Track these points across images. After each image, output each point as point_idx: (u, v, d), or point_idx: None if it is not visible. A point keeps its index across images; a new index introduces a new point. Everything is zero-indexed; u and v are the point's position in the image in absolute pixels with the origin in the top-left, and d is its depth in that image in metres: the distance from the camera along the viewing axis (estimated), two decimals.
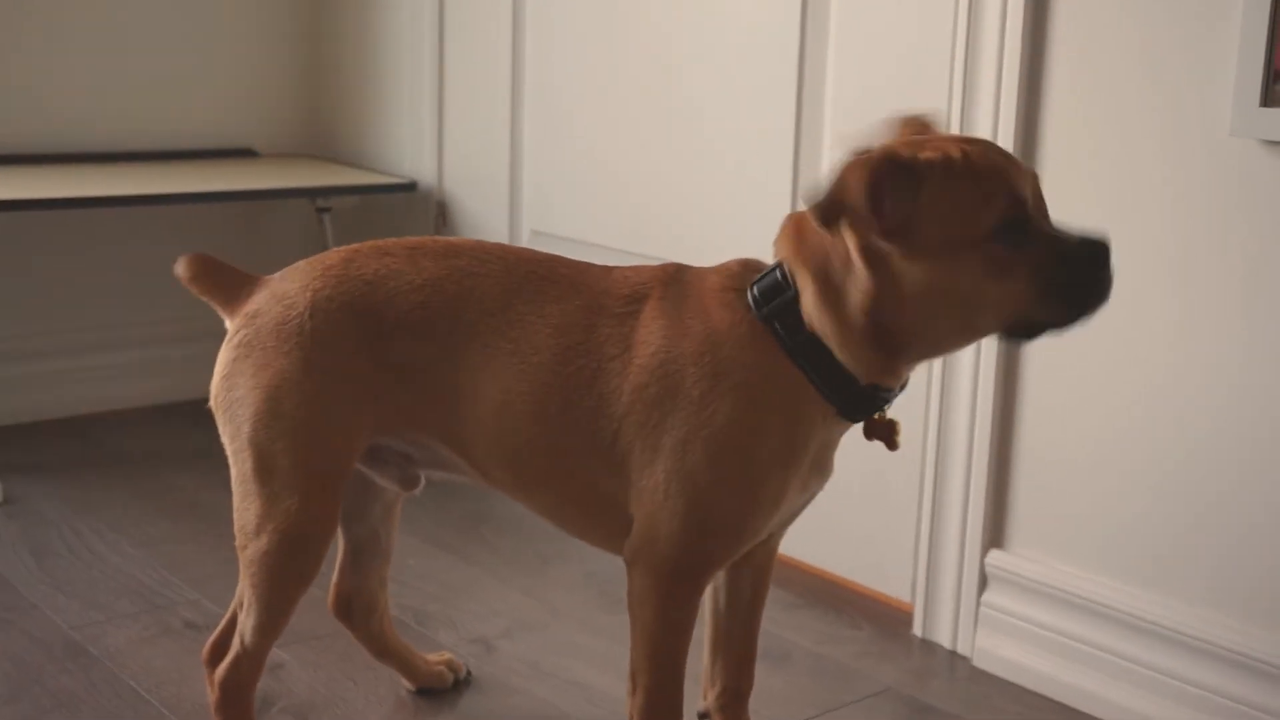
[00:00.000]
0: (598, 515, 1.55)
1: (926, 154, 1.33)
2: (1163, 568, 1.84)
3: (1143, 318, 1.82)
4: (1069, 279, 1.35)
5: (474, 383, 1.52)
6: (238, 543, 1.58)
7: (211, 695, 1.63)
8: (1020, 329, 1.38)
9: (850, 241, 1.36)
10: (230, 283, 1.62)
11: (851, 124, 2.16)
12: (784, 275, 1.43)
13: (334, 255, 1.61)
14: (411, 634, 2.05)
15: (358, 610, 1.82)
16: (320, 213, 3.03)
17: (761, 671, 1.98)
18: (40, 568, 2.24)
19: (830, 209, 1.33)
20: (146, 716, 1.79)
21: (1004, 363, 1.97)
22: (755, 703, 1.89)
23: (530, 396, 1.50)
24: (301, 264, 1.61)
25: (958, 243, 1.33)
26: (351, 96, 3.20)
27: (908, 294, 1.35)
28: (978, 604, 2.04)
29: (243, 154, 3.19)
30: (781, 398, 1.43)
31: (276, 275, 1.62)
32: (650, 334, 1.46)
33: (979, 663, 2.03)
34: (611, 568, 2.28)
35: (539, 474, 1.55)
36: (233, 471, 1.58)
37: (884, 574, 2.21)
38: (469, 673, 1.93)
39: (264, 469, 1.55)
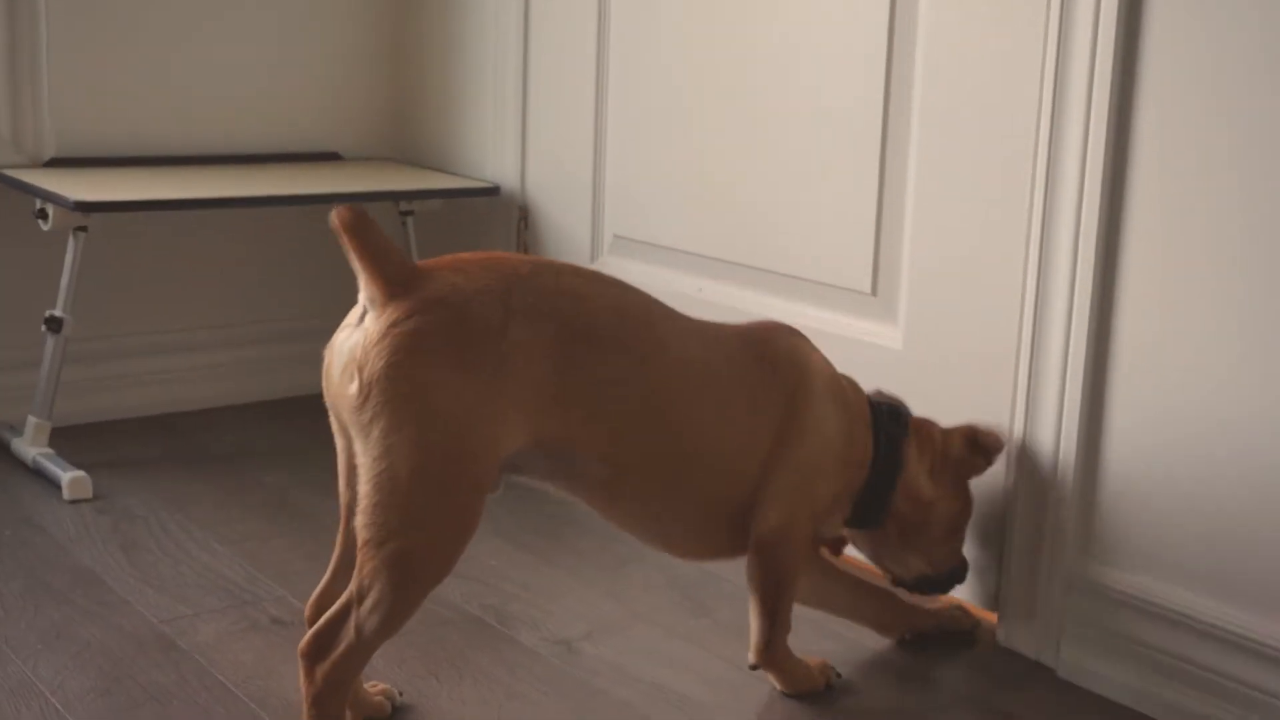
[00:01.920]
0: (719, 519, 1.86)
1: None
2: (1256, 580, 1.82)
3: (1241, 325, 1.80)
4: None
5: (652, 398, 1.71)
6: (372, 536, 1.53)
7: (309, 688, 1.60)
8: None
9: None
10: (385, 248, 1.54)
11: (940, 132, 2.16)
12: (904, 414, 2.03)
13: (514, 260, 1.64)
14: (494, 634, 2.07)
15: None
16: (403, 216, 3.06)
17: (843, 676, 1.98)
18: (130, 562, 2.28)
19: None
20: (236, 711, 1.82)
21: (1091, 367, 1.95)
22: (836, 709, 1.89)
23: (706, 413, 1.78)
24: (471, 259, 1.60)
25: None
26: (435, 101, 3.22)
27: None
28: (1063, 615, 2.02)
29: (327, 158, 3.23)
30: (861, 452, 1.98)
31: (443, 266, 1.58)
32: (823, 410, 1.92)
33: (1063, 674, 2.01)
34: (693, 572, 2.28)
35: (680, 483, 1.79)
36: (379, 464, 1.52)
37: (968, 583, 2.19)
38: (401, 694, 1.85)
39: (423, 470, 1.52)
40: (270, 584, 2.21)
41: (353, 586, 1.58)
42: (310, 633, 1.63)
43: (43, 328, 2.66)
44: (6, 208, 2.80)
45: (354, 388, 1.52)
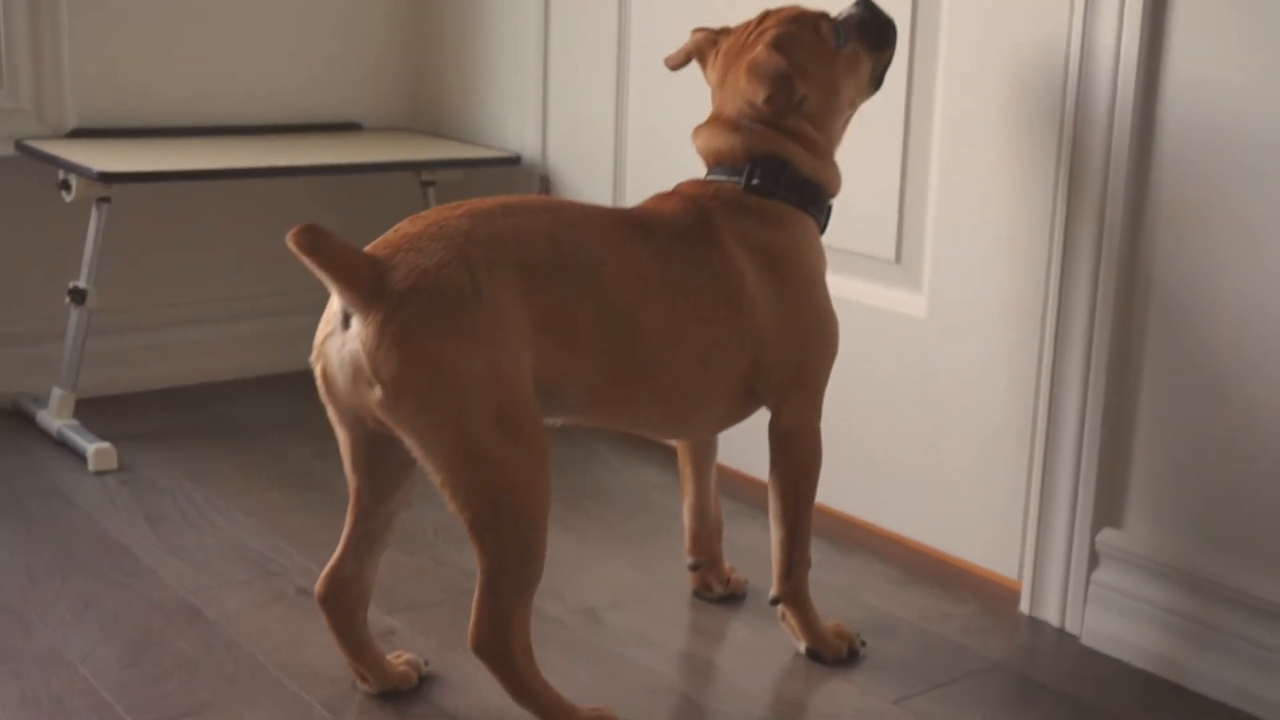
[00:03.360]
0: (724, 400, 1.84)
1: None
2: None
3: (1267, 285, 1.79)
4: (878, 35, 1.95)
5: (612, 317, 1.71)
6: (471, 507, 1.58)
7: (504, 678, 1.65)
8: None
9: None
10: (348, 258, 1.57)
11: (965, 97, 2.14)
12: (763, 161, 1.87)
13: (453, 220, 1.63)
14: None
15: (352, 600, 1.76)
16: (425, 186, 3.06)
17: (868, 644, 1.98)
18: (155, 534, 2.29)
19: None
20: (263, 680, 1.83)
21: (1118, 332, 1.94)
22: (861, 676, 1.89)
23: (670, 315, 1.75)
24: (416, 231, 1.62)
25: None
26: (456, 70, 3.21)
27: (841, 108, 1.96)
28: (1087, 582, 2.01)
29: (348, 128, 3.23)
30: (814, 236, 1.92)
31: (394, 247, 1.61)
32: (740, 244, 1.83)
33: (1088, 641, 2.01)
34: None
35: (677, 379, 1.78)
36: (441, 445, 1.57)
37: (991, 551, 2.19)
38: (427, 663, 1.87)
39: (482, 429, 1.57)
40: (295, 555, 2.22)
41: (483, 565, 1.62)
42: (476, 636, 1.64)
43: (66, 299, 2.67)
44: (30, 179, 2.80)
45: (378, 393, 1.57)
